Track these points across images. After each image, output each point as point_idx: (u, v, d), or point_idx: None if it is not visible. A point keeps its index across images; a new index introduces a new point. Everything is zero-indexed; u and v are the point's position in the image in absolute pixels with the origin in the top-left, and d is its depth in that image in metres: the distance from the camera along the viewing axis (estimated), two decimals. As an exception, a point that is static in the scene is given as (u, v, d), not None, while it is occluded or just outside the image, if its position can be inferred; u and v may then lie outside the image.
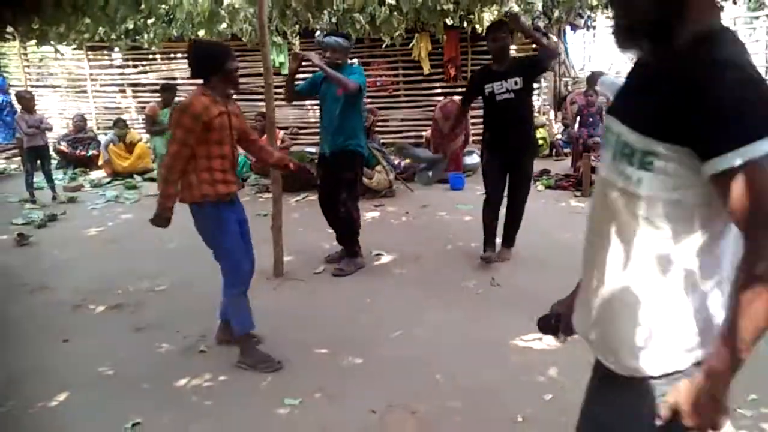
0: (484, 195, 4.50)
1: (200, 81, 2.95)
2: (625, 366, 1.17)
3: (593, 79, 8.49)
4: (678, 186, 1.06)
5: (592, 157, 6.81)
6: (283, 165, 3.31)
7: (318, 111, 4.58)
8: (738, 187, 0.97)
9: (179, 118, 2.79)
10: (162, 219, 2.93)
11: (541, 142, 9.35)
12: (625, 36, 1.16)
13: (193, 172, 2.86)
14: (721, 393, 1.05)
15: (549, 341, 3.18)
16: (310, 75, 4.78)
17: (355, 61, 10.49)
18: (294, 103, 6.15)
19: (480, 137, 4.64)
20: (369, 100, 9.96)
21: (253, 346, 3.07)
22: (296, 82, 4.48)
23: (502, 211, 4.55)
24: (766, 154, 0.95)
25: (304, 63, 4.24)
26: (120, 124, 9.05)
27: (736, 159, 0.96)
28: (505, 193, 4.52)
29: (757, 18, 9.54)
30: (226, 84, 2.93)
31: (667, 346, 1.12)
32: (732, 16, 9.67)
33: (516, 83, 4.21)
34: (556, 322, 1.48)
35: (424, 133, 9.22)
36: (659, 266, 1.11)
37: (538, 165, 8.31)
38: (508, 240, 4.64)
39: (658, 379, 1.13)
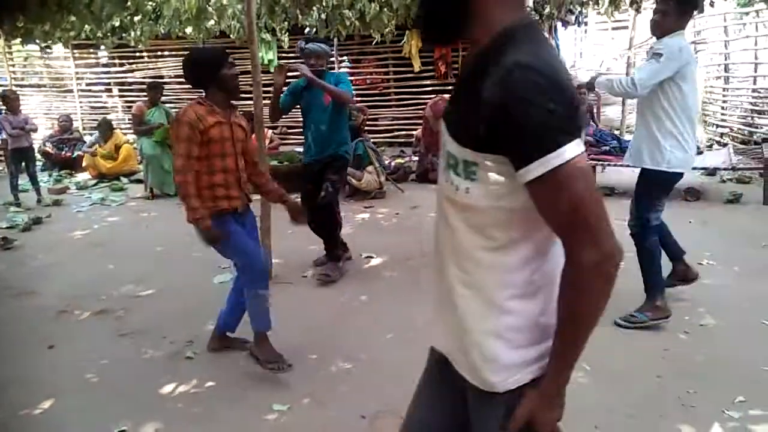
0: None
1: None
2: (478, 380, 1.14)
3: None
4: (503, 194, 1.03)
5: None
6: (281, 201, 3.14)
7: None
8: (547, 195, 0.97)
9: (177, 130, 2.71)
10: (209, 235, 2.74)
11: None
12: (421, 27, 1.15)
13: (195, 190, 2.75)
14: (559, 400, 1.11)
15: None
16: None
17: (343, 67, 10.46)
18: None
19: None
20: (359, 98, 9.93)
21: (269, 344, 2.95)
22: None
23: None
24: (569, 160, 0.94)
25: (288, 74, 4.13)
26: (103, 128, 8.77)
27: (540, 168, 0.94)
28: None
29: (746, 14, 9.57)
30: (223, 92, 2.81)
31: (509, 359, 1.10)
32: (721, 12, 9.69)
33: None
34: None
35: (414, 132, 9.19)
36: (494, 277, 1.08)
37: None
38: None
39: (505, 394, 1.11)
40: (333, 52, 4.17)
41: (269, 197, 3.23)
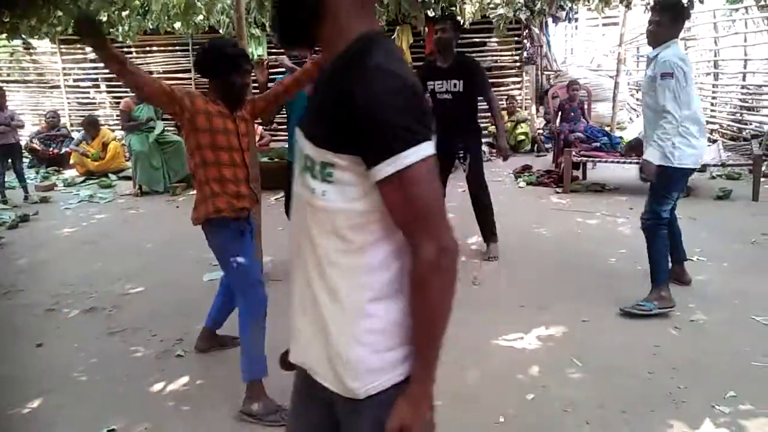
0: None
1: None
2: (340, 388, 1.11)
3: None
4: (358, 196, 1.03)
5: (573, 153, 6.83)
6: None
7: None
8: (395, 194, 0.99)
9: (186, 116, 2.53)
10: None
11: (522, 137, 9.37)
12: (276, 31, 1.16)
13: (205, 183, 2.59)
14: (428, 403, 1.09)
15: (530, 340, 3.18)
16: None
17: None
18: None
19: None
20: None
21: (265, 393, 2.62)
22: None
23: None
24: (417, 161, 0.97)
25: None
26: (88, 126, 8.61)
27: (388, 168, 0.97)
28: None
29: (736, 10, 9.62)
30: (222, 94, 2.63)
31: (370, 364, 1.08)
32: (711, 8, 9.74)
33: (455, 85, 4.23)
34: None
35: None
36: (353, 280, 1.07)
37: (519, 161, 8.38)
38: (489, 235, 4.58)
39: (369, 400, 1.09)
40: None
41: None
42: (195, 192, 2.68)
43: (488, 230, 4.56)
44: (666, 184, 3.40)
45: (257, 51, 9.59)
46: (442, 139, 4.49)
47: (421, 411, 1.07)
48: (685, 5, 3.66)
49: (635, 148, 4.07)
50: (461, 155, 4.49)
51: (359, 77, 0.99)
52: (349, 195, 1.04)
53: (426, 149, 0.99)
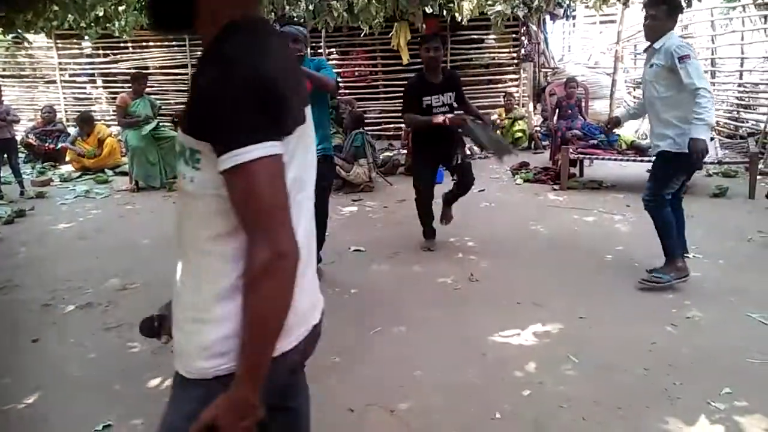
0: (416, 195, 4.60)
1: None
2: (180, 366, 1.13)
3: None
4: (222, 183, 1.03)
5: (570, 150, 6.83)
6: None
7: None
8: (233, 188, 1.00)
9: None
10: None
11: (520, 134, 9.37)
12: (149, 16, 1.16)
13: None
14: (250, 408, 1.05)
15: (527, 337, 3.18)
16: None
17: (332, 59, 10.40)
18: None
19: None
20: (347, 90, 9.88)
21: None
22: None
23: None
24: (257, 159, 0.97)
25: None
26: (82, 123, 8.54)
27: (229, 161, 0.97)
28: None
29: (733, 9, 9.63)
30: None
31: (216, 348, 1.08)
32: (708, 7, 9.75)
33: (450, 98, 4.37)
34: (158, 325, 1.40)
35: (403, 125, 9.15)
36: (215, 266, 1.08)
37: (517, 158, 8.38)
38: (451, 204, 4.78)
39: (199, 382, 1.10)
40: (307, 34, 3.93)
41: None
42: None
43: (452, 202, 4.78)
44: (678, 170, 3.58)
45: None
46: (441, 152, 4.42)
47: (238, 414, 1.03)
48: None
49: (614, 123, 4.24)
50: (456, 162, 4.56)
51: (209, 69, 1.01)
52: (214, 182, 1.04)
53: (269, 148, 0.98)
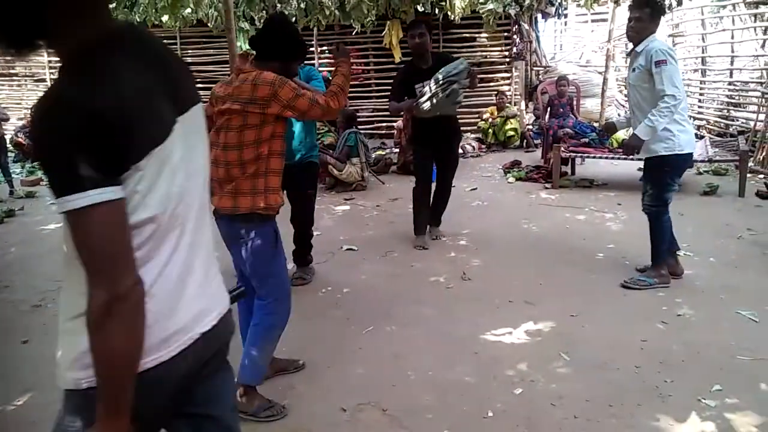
0: (416, 185, 4.71)
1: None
2: (60, 379, 1.11)
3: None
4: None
5: (562, 149, 6.85)
6: None
7: None
8: (70, 231, 0.96)
9: (284, 88, 2.31)
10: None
11: (512, 133, 9.39)
12: None
13: (262, 175, 2.36)
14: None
15: (519, 335, 3.19)
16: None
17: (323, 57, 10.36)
18: None
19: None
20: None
21: (257, 392, 2.56)
22: None
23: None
24: (84, 207, 0.92)
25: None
26: None
27: (59, 207, 0.94)
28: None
29: (723, 7, 9.69)
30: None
31: (75, 362, 1.06)
32: (698, 5, 9.81)
33: None
34: None
35: (395, 124, 9.15)
36: (78, 286, 1.04)
37: (509, 156, 8.41)
38: (438, 219, 4.94)
39: (81, 395, 1.07)
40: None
41: None
42: (231, 184, 2.37)
43: (442, 212, 4.93)
44: (672, 172, 3.62)
45: (245, 45, 9.52)
46: (433, 131, 4.45)
47: None
48: (662, 1, 3.91)
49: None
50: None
51: (40, 105, 0.94)
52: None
53: (97, 196, 0.93)
